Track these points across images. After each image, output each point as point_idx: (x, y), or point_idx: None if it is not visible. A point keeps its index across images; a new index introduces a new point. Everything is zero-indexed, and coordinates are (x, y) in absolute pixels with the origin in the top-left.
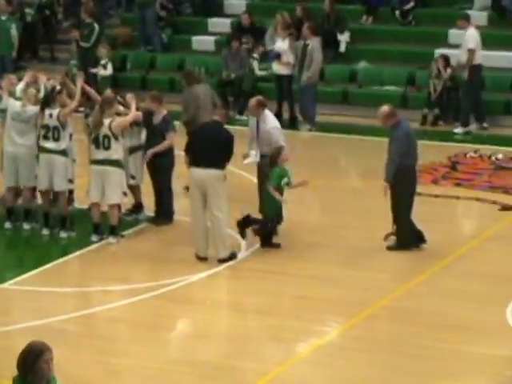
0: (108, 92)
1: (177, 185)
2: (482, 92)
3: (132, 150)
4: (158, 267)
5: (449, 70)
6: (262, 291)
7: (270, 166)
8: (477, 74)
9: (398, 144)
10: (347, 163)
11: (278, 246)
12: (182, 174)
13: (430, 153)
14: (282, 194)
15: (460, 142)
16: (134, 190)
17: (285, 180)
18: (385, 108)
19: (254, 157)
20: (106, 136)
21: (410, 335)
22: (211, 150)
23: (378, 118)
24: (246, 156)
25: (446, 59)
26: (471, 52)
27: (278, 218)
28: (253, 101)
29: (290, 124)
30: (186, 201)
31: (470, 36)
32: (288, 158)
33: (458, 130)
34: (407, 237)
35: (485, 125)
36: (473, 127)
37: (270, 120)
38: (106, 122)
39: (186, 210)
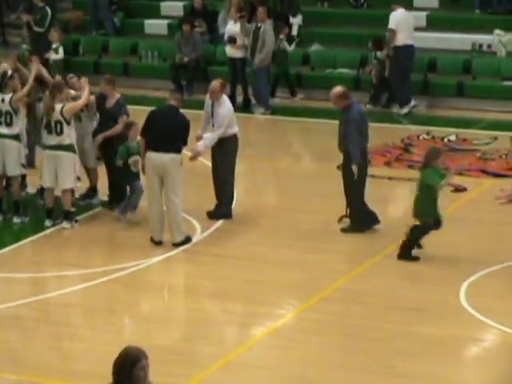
0: (58, 77)
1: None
2: (411, 74)
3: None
4: (113, 252)
5: (383, 52)
6: (217, 275)
7: (424, 167)
8: (402, 54)
9: (353, 125)
10: (302, 146)
11: (417, 259)
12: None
13: (381, 135)
14: (437, 195)
15: (399, 123)
16: (90, 173)
17: (444, 181)
18: (338, 89)
19: (208, 141)
20: (57, 121)
21: (363, 317)
22: (168, 134)
23: (331, 99)
24: (199, 138)
25: (376, 41)
26: (392, 32)
27: (436, 222)
28: (216, 84)
29: (244, 107)
30: (144, 186)
31: (393, 17)
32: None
33: (397, 110)
34: (361, 219)
35: (410, 105)
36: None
37: (226, 103)
38: (58, 107)
39: (143, 195)
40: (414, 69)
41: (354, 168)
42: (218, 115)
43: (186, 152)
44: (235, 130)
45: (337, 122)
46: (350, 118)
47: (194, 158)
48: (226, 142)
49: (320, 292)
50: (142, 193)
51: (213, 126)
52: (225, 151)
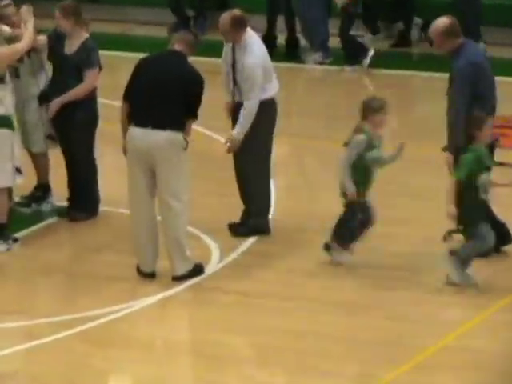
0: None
1: (106, 158)
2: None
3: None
4: (76, 290)
5: None
6: (246, 326)
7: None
8: None
9: (460, 82)
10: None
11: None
12: (111, 138)
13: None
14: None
15: None
16: (37, 163)
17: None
18: (444, 21)
19: (243, 118)
20: None
21: None
22: (165, 99)
23: (432, 34)
24: (230, 109)
25: None
26: None
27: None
28: (226, 18)
29: (289, 52)
30: (120, 181)
31: None
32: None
33: None
34: (480, 235)
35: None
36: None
37: (252, 49)
38: None
39: (118, 196)
40: None
41: (449, 158)
42: (243, 69)
43: (199, 128)
44: (272, 91)
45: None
46: (457, 71)
47: (231, 149)
48: (256, 113)
49: (418, 353)
50: None
51: (233, 85)
52: (252, 127)
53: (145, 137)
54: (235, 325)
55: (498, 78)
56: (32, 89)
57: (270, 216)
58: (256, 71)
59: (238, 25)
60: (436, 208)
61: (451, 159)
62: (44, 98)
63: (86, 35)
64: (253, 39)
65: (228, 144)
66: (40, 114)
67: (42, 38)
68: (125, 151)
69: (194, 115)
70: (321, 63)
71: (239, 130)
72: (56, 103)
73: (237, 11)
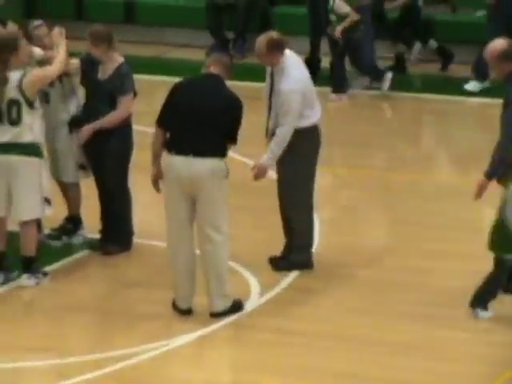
0: (11, 26)
1: (139, 187)
2: None
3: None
4: (106, 328)
5: None
6: (284, 366)
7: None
8: None
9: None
10: (435, 143)
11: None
12: (147, 166)
13: None
14: None
15: None
16: (67, 193)
17: None
18: (497, 44)
19: (275, 145)
20: (12, 102)
21: None
22: (204, 125)
23: (487, 57)
24: (270, 136)
25: None
26: None
27: None
28: (262, 41)
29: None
30: (154, 212)
31: None
32: None
33: None
34: None
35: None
36: None
37: (290, 73)
38: (14, 76)
39: (152, 228)
40: None
41: (481, 182)
42: (279, 93)
43: (236, 156)
44: (314, 118)
45: None
46: (509, 99)
47: (258, 176)
48: (297, 140)
49: None
50: None
51: (269, 112)
52: (295, 156)
53: (186, 165)
54: (275, 365)
55: None
56: (62, 115)
57: (313, 250)
58: (292, 97)
59: (275, 48)
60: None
61: (483, 183)
62: (75, 125)
63: (120, 59)
64: (292, 62)
65: (255, 170)
66: (70, 142)
67: (75, 62)
68: (155, 180)
69: (233, 140)
70: (368, 88)
71: (269, 157)
72: (88, 130)
73: (274, 34)
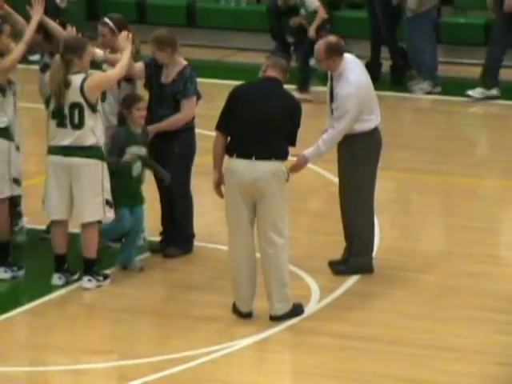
0: (71, 29)
1: (201, 190)
2: None
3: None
4: (166, 331)
5: None
6: (344, 371)
7: None
8: None
9: None
10: (494, 148)
11: None
12: (208, 170)
13: None
14: None
15: None
16: None
17: None
18: None
19: (322, 143)
20: (75, 105)
21: None
22: (266, 129)
23: None
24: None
25: None
26: None
27: None
28: (320, 44)
29: (394, 80)
30: (215, 215)
31: None
32: None
33: None
34: None
35: None
36: None
37: (349, 77)
38: (76, 79)
39: (213, 231)
40: None
41: None
42: (337, 98)
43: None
44: (373, 122)
45: None
46: None
47: (295, 168)
48: (357, 144)
49: None
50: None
51: (331, 114)
52: (355, 160)
53: (249, 168)
54: (334, 369)
55: None
56: (113, 119)
57: (373, 254)
58: (348, 101)
59: (334, 52)
60: None
61: None
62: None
63: (184, 63)
64: (351, 67)
65: (296, 160)
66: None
67: (139, 65)
68: (217, 186)
69: (293, 143)
70: (429, 93)
71: (314, 151)
72: (151, 131)
73: (332, 38)
